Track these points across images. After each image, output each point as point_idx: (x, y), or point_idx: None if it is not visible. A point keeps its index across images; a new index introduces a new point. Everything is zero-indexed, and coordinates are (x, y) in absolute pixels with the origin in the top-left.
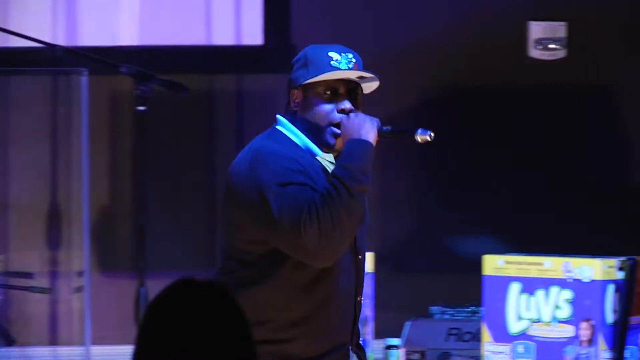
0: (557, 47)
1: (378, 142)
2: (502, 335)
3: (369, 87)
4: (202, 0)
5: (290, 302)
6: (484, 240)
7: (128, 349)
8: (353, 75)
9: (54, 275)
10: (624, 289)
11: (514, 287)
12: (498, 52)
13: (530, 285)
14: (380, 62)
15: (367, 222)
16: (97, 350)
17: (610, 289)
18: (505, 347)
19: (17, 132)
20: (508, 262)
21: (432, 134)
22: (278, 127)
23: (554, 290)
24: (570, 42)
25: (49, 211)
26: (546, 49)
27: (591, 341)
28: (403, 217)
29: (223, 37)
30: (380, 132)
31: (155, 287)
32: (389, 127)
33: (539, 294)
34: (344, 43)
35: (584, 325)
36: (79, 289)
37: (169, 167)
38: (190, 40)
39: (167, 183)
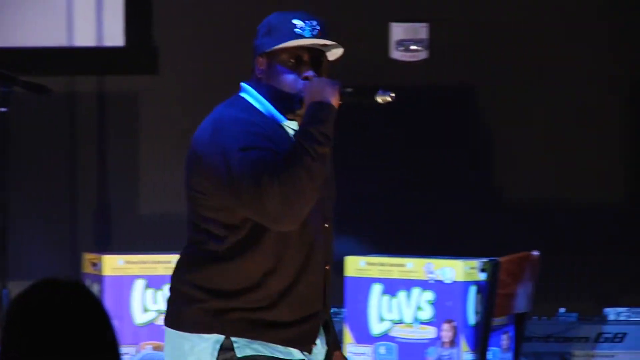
0: (419, 48)
1: (340, 105)
2: (364, 336)
3: (334, 54)
4: (64, 1)
5: (265, 274)
6: (345, 242)
7: None
8: (316, 42)
9: None
10: (486, 290)
11: (376, 289)
12: (360, 53)
13: (392, 287)
14: (242, 61)
15: (334, 191)
16: None
17: (472, 290)
18: (367, 349)
19: None
20: (370, 264)
21: (393, 94)
22: (242, 94)
23: (416, 291)
24: (431, 43)
25: None
26: (408, 50)
27: (453, 342)
28: None
29: (84, 38)
30: (341, 94)
31: (17, 289)
32: (350, 89)
33: (400, 295)
34: (205, 43)
35: (446, 326)
36: None
37: (31, 169)
38: (51, 41)
39: (30, 185)
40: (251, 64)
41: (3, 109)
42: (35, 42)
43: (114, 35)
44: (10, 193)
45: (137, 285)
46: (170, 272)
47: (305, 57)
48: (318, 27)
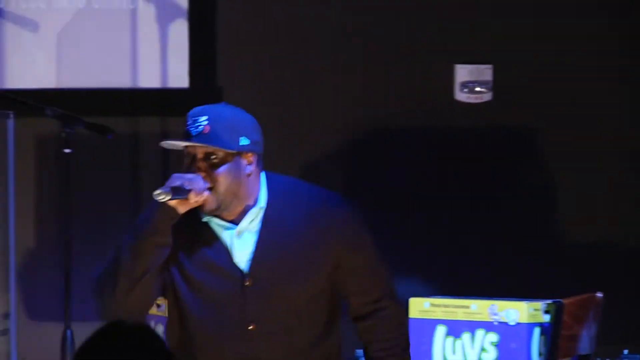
0: (483, 90)
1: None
2: None
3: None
4: (129, 43)
5: (177, 343)
6: (410, 283)
7: None
8: (189, 145)
9: None
10: (550, 332)
11: (440, 330)
12: (425, 94)
13: (456, 328)
14: (306, 102)
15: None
16: None
17: (536, 332)
18: None
19: None
20: (434, 305)
21: (163, 196)
22: None
23: (480, 333)
24: (495, 85)
25: None
26: (472, 91)
27: None
28: None
29: (149, 79)
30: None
31: (81, 330)
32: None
33: (465, 337)
34: (269, 84)
35: None
36: (4, 332)
37: (94, 210)
38: (116, 82)
39: (93, 226)
40: (307, 110)
41: (67, 150)
42: (99, 83)
43: (179, 77)
44: (74, 234)
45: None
46: None
47: (199, 154)
48: (203, 124)
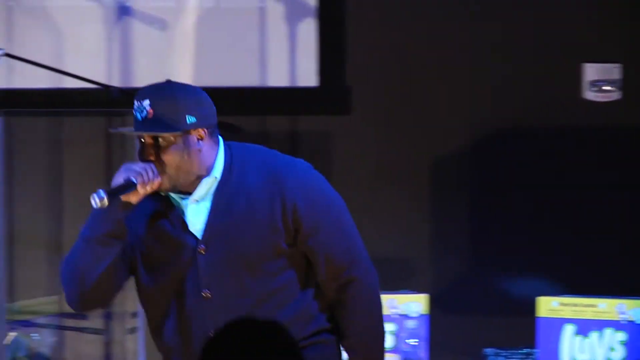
0: (612, 88)
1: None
2: None
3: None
4: (257, 42)
5: (153, 331)
6: (538, 282)
7: None
8: (133, 132)
9: (108, 316)
10: None
11: (568, 329)
12: (553, 93)
13: (584, 327)
14: (434, 101)
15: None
16: None
17: None
18: None
19: (72, 173)
20: (562, 304)
21: (98, 203)
22: None
23: (608, 332)
24: (624, 84)
25: None
26: (601, 90)
27: None
28: (457, 259)
29: (278, 78)
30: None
31: None
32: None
33: (593, 336)
34: (397, 83)
35: None
36: (132, 330)
37: None
38: (244, 81)
39: None
40: (434, 109)
41: None
42: (228, 82)
43: (307, 75)
44: None
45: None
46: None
47: (145, 137)
48: (146, 109)
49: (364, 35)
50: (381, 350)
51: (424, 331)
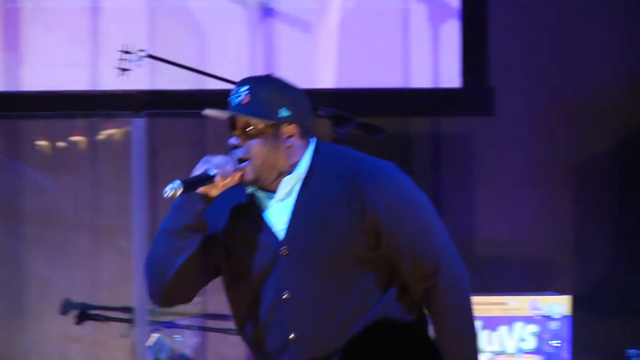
0: None
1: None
2: None
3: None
4: (400, 43)
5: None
6: None
7: None
8: (231, 114)
9: None
10: None
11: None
12: None
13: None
14: (579, 103)
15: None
16: None
17: None
18: None
19: None
20: None
21: (171, 192)
22: None
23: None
24: None
25: None
26: None
27: None
28: (601, 260)
29: (420, 80)
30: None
31: None
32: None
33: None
34: (541, 84)
35: None
36: None
37: None
38: (387, 83)
39: None
40: (581, 110)
41: None
42: (371, 83)
43: (450, 77)
44: None
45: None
46: (506, 313)
47: (237, 123)
48: (243, 94)
49: (507, 35)
50: (474, 350)
51: (566, 332)
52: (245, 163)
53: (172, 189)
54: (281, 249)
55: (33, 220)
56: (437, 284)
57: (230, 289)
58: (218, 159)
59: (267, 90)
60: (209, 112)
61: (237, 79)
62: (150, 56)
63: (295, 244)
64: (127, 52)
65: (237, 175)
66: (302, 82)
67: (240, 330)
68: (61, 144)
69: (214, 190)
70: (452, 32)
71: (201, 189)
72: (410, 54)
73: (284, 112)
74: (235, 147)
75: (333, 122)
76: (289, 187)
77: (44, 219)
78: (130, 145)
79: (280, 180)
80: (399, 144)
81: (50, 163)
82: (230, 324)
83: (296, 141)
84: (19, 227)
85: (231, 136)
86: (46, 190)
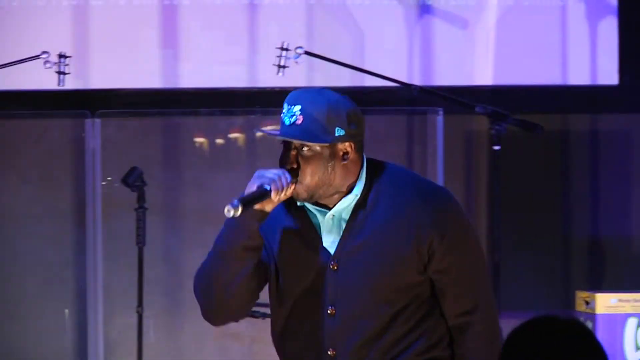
0: None
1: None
2: None
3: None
4: (558, 40)
5: (275, 332)
6: None
7: None
8: (279, 137)
9: None
10: None
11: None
12: None
13: None
14: None
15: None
16: None
17: None
18: None
19: None
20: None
21: (232, 212)
22: None
23: None
24: None
25: None
26: None
27: None
28: None
29: (578, 77)
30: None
31: (509, 322)
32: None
33: None
34: None
35: None
36: None
37: (522, 206)
38: (545, 80)
39: (521, 222)
40: None
41: (496, 147)
42: (529, 80)
43: (608, 74)
44: (502, 230)
45: (630, 324)
46: None
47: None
48: (296, 114)
49: None
50: None
51: None
52: (292, 185)
53: (232, 208)
54: (331, 263)
55: (192, 217)
56: (469, 324)
57: (275, 301)
58: (272, 173)
59: (321, 108)
60: (264, 132)
61: (394, 76)
62: (308, 53)
63: (345, 261)
64: (284, 50)
65: (290, 190)
66: (459, 79)
67: (278, 342)
68: (220, 140)
69: (269, 206)
70: (609, 29)
71: (257, 206)
72: (568, 50)
73: (339, 132)
74: (290, 169)
75: (491, 119)
76: (345, 205)
77: (202, 215)
78: None
79: (335, 197)
80: (557, 141)
81: (208, 160)
82: None
83: (351, 158)
84: (178, 224)
85: (283, 154)
86: (205, 187)
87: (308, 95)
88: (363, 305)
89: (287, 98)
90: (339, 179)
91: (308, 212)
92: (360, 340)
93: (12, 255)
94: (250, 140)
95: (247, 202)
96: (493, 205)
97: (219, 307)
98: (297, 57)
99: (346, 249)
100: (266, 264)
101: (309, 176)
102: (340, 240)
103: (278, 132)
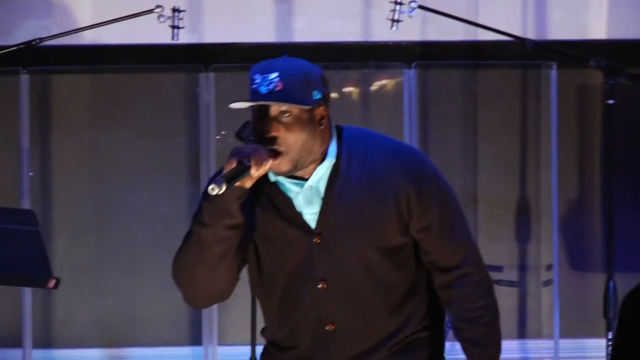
0: None
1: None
2: None
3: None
4: None
5: (272, 326)
6: None
7: (596, 343)
8: (262, 104)
9: (522, 268)
10: None
11: None
12: None
13: None
14: None
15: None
16: (564, 343)
17: None
18: None
19: (486, 126)
20: None
21: (217, 190)
22: None
23: None
24: None
25: (517, 204)
26: None
27: None
28: None
29: None
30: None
31: (623, 282)
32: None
33: None
34: None
35: None
36: (547, 283)
37: (637, 162)
38: None
39: (636, 179)
40: None
41: (610, 101)
42: None
43: None
44: (616, 185)
45: None
46: None
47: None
48: (275, 81)
49: None
50: (497, 346)
51: None
52: (270, 158)
53: (217, 186)
54: (314, 237)
55: None
56: (461, 275)
57: (259, 283)
58: (250, 148)
59: (298, 73)
60: (237, 104)
61: (508, 30)
62: (422, 7)
63: (328, 233)
64: (398, 3)
65: (269, 165)
66: (573, 33)
67: (270, 328)
68: (334, 94)
69: (248, 182)
70: None
71: (237, 183)
72: None
73: (317, 95)
74: (271, 137)
75: (604, 74)
76: (320, 174)
77: None
78: (401, 96)
79: (311, 167)
80: None
81: None
82: (502, 275)
83: (325, 123)
84: None
85: (258, 125)
86: None
87: (280, 63)
88: (353, 274)
89: (255, 69)
90: (317, 146)
91: (282, 187)
92: (357, 310)
93: (126, 209)
94: (365, 94)
95: (230, 178)
96: (607, 160)
97: (203, 291)
98: (411, 12)
99: (327, 221)
100: (245, 244)
101: (293, 143)
102: (320, 212)
103: (258, 101)
